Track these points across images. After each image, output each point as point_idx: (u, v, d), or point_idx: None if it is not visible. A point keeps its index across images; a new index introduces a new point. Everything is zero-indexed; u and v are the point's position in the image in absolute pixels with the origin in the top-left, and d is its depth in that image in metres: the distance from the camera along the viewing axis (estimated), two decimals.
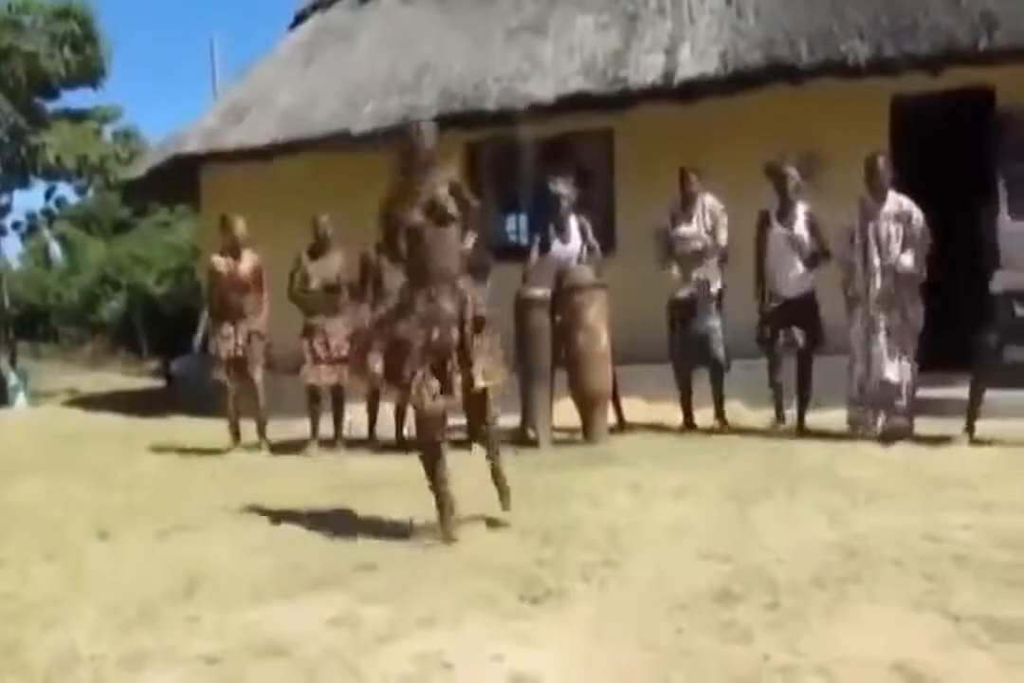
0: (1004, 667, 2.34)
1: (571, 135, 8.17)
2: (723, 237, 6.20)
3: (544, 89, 7.82)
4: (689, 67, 7.42)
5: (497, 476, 3.97)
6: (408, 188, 3.80)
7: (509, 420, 6.49)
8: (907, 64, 6.84)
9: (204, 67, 36.30)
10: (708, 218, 6.20)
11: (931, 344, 5.75)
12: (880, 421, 5.74)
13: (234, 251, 6.62)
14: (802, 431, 6.07)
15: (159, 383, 12.36)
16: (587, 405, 6.06)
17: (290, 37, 10.70)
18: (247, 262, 6.60)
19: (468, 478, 3.98)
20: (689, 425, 6.36)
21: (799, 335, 6.10)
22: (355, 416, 6.72)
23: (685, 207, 6.26)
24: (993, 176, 5.32)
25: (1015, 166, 5.29)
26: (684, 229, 6.21)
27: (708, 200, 6.24)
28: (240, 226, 6.62)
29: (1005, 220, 5.35)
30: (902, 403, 5.70)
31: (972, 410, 5.49)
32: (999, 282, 5.38)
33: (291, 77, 9.67)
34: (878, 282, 5.66)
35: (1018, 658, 2.38)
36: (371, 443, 6.43)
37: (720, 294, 6.24)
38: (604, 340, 6.05)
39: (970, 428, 5.48)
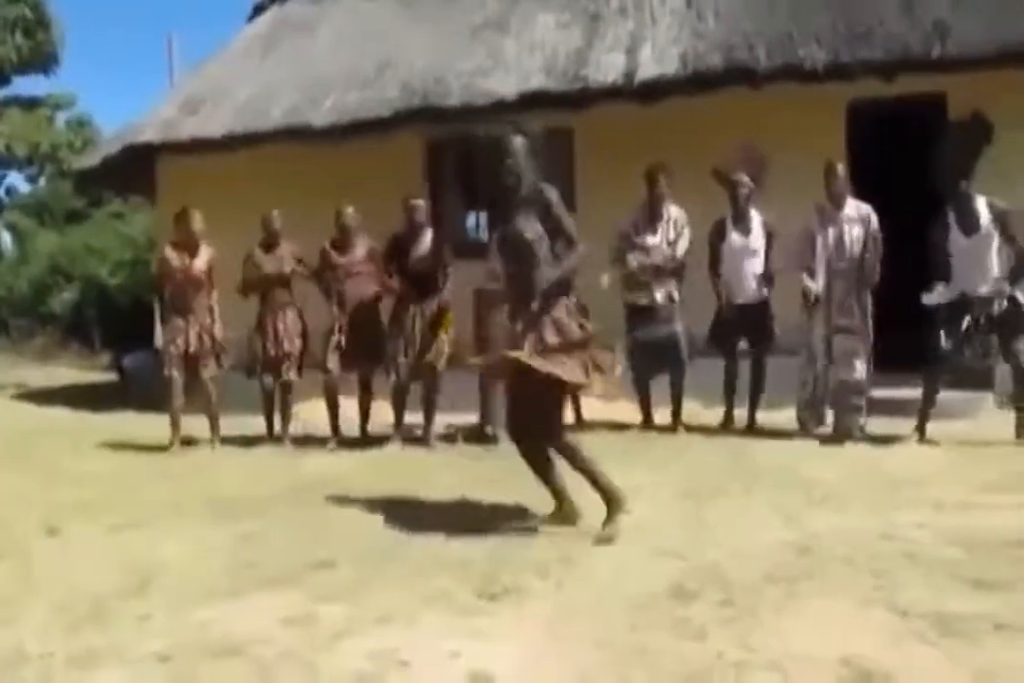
0: (950, 662, 2.39)
1: None
2: (682, 251, 6.19)
3: (505, 86, 7.81)
4: (649, 67, 7.46)
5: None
6: None
7: (468, 418, 6.53)
8: (862, 70, 6.95)
9: (160, 56, 35.76)
10: (672, 231, 6.20)
11: (884, 345, 5.88)
12: (832, 420, 5.87)
13: (190, 246, 6.50)
14: (752, 430, 6.17)
15: (111, 377, 12.15)
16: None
17: (248, 29, 10.57)
18: (203, 257, 6.50)
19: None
20: (648, 425, 6.41)
21: (753, 340, 6.22)
22: (314, 413, 6.68)
23: (651, 216, 6.21)
24: (946, 188, 5.47)
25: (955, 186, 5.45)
26: (648, 240, 6.19)
27: (674, 212, 6.22)
28: (198, 220, 6.50)
29: (957, 236, 5.48)
30: (859, 402, 5.83)
31: (924, 411, 5.64)
32: (937, 296, 5.53)
33: (249, 69, 9.56)
34: (839, 285, 5.81)
35: (964, 653, 2.43)
36: (335, 439, 6.38)
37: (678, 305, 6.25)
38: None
39: (921, 428, 5.62)
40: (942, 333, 5.48)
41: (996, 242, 5.43)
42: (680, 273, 6.23)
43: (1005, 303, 5.41)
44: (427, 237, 6.19)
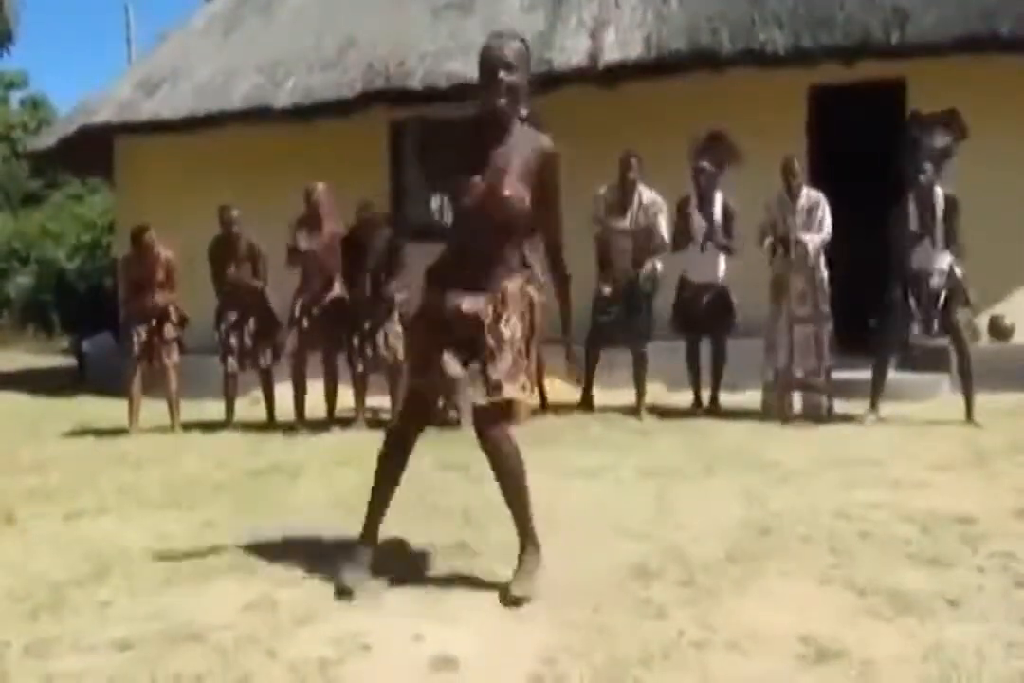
0: (905, 638, 2.44)
1: None
2: (663, 233, 6.19)
3: (468, 68, 7.74)
4: (613, 51, 7.46)
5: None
6: None
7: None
8: (823, 55, 7.01)
9: (117, 34, 35.00)
10: (642, 215, 6.19)
11: (837, 327, 5.97)
12: (798, 402, 5.97)
13: (147, 257, 6.50)
14: (716, 412, 6.24)
15: (70, 362, 11.96)
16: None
17: (209, 7, 10.39)
18: (160, 265, 6.49)
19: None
20: (587, 403, 6.42)
21: (713, 320, 6.26)
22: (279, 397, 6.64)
23: (621, 200, 6.19)
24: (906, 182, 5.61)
25: (919, 178, 5.58)
26: (617, 223, 6.18)
27: (647, 196, 6.19)
28: (150, 235, 6.51)
29: (916, 226, 5.60)
30: (822, 383, 5.94)
31: (876, 392, 5.77)
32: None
33: (209, 48, 9.40)
34: (797, 276, 5.93)
35: (918, 629, 2.48)
36: (302, 423, 6.35)
37: (651, 288, 6.25)
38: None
39: (875, 409, 5.75)
40: (891, 313, 5.65)
41: (943, 227, 5.59)
42: (656, 253, 6.23)
43: (944, 275, 5.59)
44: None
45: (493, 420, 2.76)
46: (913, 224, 5.61)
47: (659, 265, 6.23)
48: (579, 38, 7.72)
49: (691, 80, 7.27)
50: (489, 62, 2.80)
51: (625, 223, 6.17)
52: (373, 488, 3.01)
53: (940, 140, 5.52)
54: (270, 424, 6.46)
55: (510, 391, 2.74)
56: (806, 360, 5.94)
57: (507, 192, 2.71)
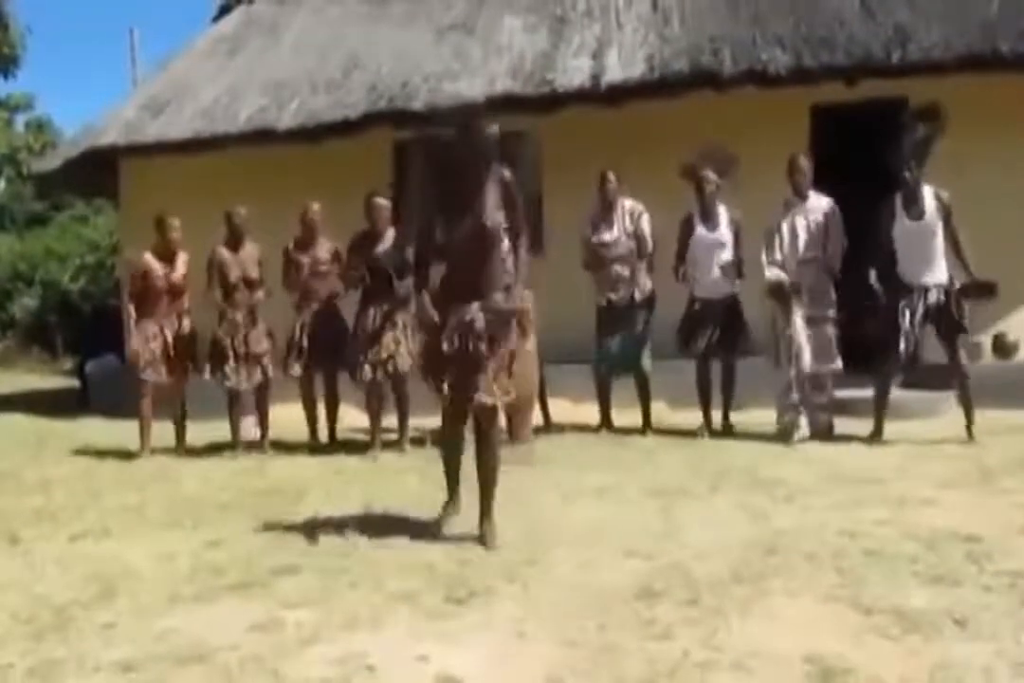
0: (912, 657, 2.43)
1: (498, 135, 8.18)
2: (648, 238, 6.22)
3: (472, 89, 7.81)
4: (616, 71, 7.51)
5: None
6: None
7: (436, 420, 6.50)
8: (825, 74, 7.04)
9: (121, 56, 35.33)
10: (628, 222, 6.22)
11: (843, 345, 5.94)
12: (806, 420, 5.85)
13: (168, 253, 6.42)
14: (727, 431, 6.19)
15: (73, 383, 11.97)
16: (513, 405, 6.06)
17: (213, 29, 10.49)
18: (181, 267, 6.43)
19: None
20: (607, 427, 6.40)
21: (723, 337, 6.21)
22: (283, 417, 6.61)
23: (605, 212, 6.25)
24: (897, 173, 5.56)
25: (904, 174, 5.51)
26: (606, 236, 6.21)
27: (628, 203, 6.24)
28: (175, 228, 6.40)
29: (903, 219, 5.53)
30: (824, 399, 5.88)
31: (879, 411, 5.69)
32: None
33: (214, 70, 9.48)
34: (807, 275, 5.83)
35: (923, 648, 2.47)
36: (310, 443, 6.33)
37: (650, 299, 6.27)
38: (530, 340, 6.07)
39: (878, 428, 5.66)
40: (889, 329, 5.51)
41: (940, 231, 5.49)
42: (649, 265, 6.25)
43: (944, 297, 5.47)
44: (389, 237, 6.13)
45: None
46: (901, 218, 5.47)
47: (648, 283, 6.23)
48: (581, 58, 7.78)
49: (693, 100, 7.31)
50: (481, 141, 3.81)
51: (613, 234, 6.19)
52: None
53: (919, 131, 5.47)
54: (239, 442, 6.35)
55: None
56: (816, 364, 5.77)
57: (488, 223, 3.61)
